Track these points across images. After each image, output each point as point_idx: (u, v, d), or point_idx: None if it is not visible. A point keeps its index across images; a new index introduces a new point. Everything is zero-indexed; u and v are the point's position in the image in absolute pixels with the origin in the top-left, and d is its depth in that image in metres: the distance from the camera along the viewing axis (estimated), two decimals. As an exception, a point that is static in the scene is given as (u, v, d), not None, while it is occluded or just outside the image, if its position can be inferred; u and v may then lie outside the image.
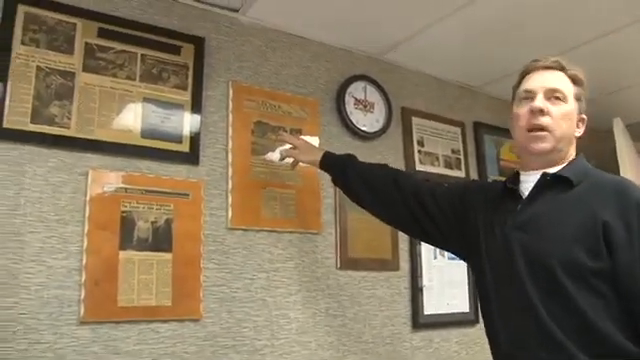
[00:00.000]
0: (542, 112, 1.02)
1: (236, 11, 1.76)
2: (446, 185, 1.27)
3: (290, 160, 1.57)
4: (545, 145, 1.02)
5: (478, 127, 2.36)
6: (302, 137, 1.56)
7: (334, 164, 1.40)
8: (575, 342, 0.90)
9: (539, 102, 1.03)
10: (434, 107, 2.24)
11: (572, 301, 0.92)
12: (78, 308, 1.36)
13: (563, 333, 0.91)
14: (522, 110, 1.05)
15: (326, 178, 1.81)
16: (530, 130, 1.03)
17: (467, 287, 2.13)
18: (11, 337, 1.27)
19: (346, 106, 1.96)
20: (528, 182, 1.06)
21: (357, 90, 2.00)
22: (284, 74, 1.86)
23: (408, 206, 1.22)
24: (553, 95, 1.04)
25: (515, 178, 1.11)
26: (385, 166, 1.38)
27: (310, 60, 1.94)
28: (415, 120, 2.14)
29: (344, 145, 1.95)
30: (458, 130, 2.28)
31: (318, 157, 1.41)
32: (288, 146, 1.56)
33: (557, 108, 1.03)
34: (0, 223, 1.33)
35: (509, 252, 1.01)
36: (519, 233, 1.01)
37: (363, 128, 1.98)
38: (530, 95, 1.06)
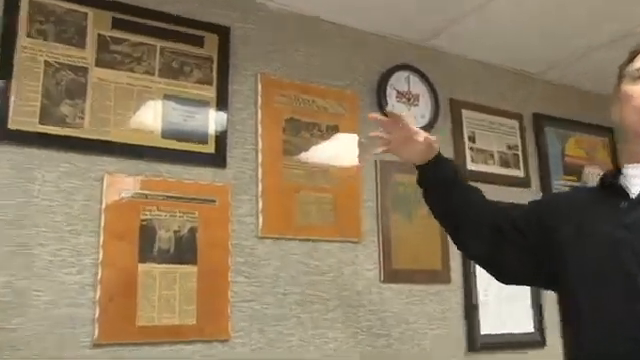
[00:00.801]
0: None
1: (264, -3, 1.74)
2: (521, 206, 1.17)
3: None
4: None
5: (538, 119, 2.23)
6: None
7: (445, 168, 1.18)
8: None
9: None
10: (487, 98, 2.13)
11: None
12: (92, 328, 1.31)
13: None
14: (637, 89, 0.96)
15: (367, 179, 1.78)
16: None
17: (530, 303, 2.00)
18: (18, 362, 1.24)
19: (388, 99, 1.88)
20: (637, 176, 0.97)
21: (399, 81, 1.92)
22: (318, 66, 1.80)
23: (489, 238, 1.12)
24: None
25: (614, 175, 1.02)
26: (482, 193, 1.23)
27: (347, 49, 1.87)
28: (465, 113, 2.05)
29: None
30: (515, 123, 2.16)
31: (432, 154, 1.16)
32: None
33: None
34: (6, 235, 1.28)
35: (613, 254, 0.94)
36: (625, 232, 0.93)
37: (406, 124, 1.84)
38: None
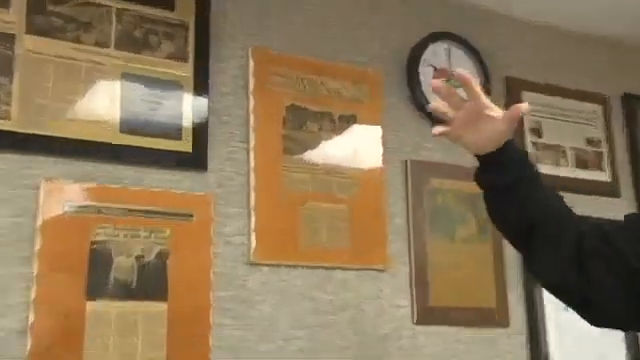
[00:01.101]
0: None
1: (256, -56, 1.72)
2: (612, 221, 1.12)
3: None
4: None
5: (630, 102, 2.17)
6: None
7: (520, 160, 1.09)
8: None
9: None
10: (557, 75, 2.07)
11: None
12: (20, 392, 1.28)
13: None
14: None
15: (395, 187, 1.75)
16: None
17: (624, 356, 1.91)
18: None
19: (421, 79, 1.83)
20: None
21: (437, 55, 1.89)
22: (329, 35, 1.77)
23: (573, 256, 1.05)
24: None
25: None
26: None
27: (367, 13, 1.84)
28: (527, 96, 1.99)
29: (421, 139, 1.82)
30: (598, 109, 2.12)
31: (502, 140, 1.07)
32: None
33: None
34: None
35: None
36: None
37: (448, 112, 1.81)
38: None
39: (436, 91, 1.04)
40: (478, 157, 1.09)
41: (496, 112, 1.04)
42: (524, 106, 1.05)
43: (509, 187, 1.07)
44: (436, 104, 1.08)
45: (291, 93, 1.68)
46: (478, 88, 1.02)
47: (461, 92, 1.04)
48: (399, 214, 1.76)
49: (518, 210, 1.08)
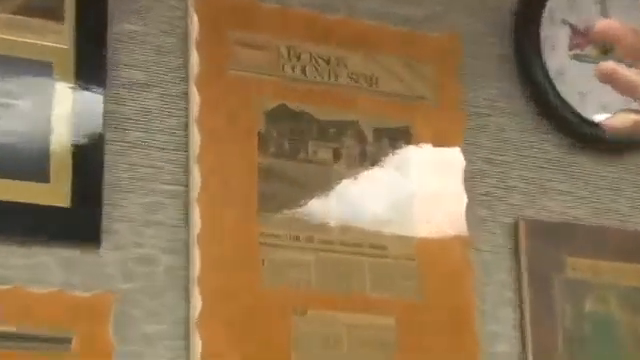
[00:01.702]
0: None
1: None
2: None
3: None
4: None
5: None
6: None
7: None
8: None
9: None
10: None
11: None
12: None
13: None
14: None
15: (495, 275, 1.71)
16: None
17: None
18: None
19: (545, 48, 1.78)
20: None
21: (577, 3, 1.85)
22: None
23: None
24: None
25: None
26: None
27: None
28: None
29: (549, 174, 1.80)
30: None
31: None
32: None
33: None
34: None
35: None
36: None
37: (597, 117, 1.84)
38: None
39: (607, 33, 0.85)
40: None
41: None
42: None
43: None
44: (608, 63, 1.00)
45: (275, 83, 1.58)
46: None
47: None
48: (505, 334, 1.64)
49: None
